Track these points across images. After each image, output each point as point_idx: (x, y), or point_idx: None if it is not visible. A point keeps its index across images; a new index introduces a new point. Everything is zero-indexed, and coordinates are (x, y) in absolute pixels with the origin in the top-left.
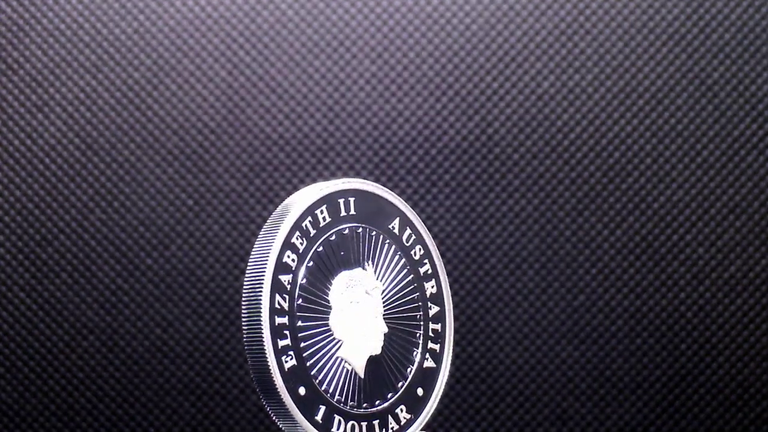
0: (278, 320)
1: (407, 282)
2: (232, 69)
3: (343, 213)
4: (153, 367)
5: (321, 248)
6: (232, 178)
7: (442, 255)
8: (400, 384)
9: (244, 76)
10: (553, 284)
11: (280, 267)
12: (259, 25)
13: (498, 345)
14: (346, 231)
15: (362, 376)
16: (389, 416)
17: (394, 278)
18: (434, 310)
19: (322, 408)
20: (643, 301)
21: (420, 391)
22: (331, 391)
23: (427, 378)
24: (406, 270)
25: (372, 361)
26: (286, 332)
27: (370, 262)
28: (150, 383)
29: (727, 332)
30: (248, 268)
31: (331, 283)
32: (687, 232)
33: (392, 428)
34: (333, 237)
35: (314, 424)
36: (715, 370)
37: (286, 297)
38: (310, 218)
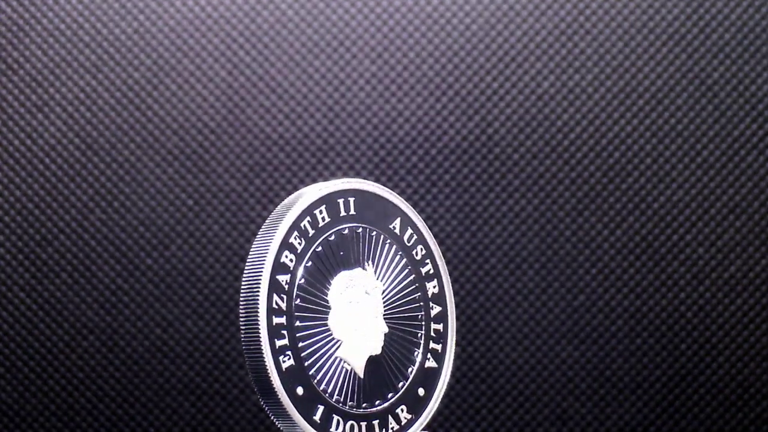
0: (276, 320)
1: (408, 282)
2: (232, 69)
3: (342, 213)
4: (153, 367)
5: (320, 248)
6: (232, 178)
7: (442, 255)
8: (400, 384)
9: (244, 76)
10: (553, 284)
11: (278, 267)
12: (259, 25)
13: (498, 345)
14: (346, 231)
15: (362, 376)
16: (389, 416)
17: (395, 278)
18: (436, 310)
19: (321, 408)
20: (643, 301)
21: (421, 391)
22: (329, 390)
23: (429, 378)
24: (407, 270)
25: (372, 361)
26: (284, 332)
27: (370, 262)
28: (150, 383)
29: (727, 332)
30: (246, 268)
31: (330, 283)
32: (687, 232)
33: (392, 428)
34: (332, 237)
35: (312, 423)
36: (715, 370)
37: (284, 297)
38: (308, 218)
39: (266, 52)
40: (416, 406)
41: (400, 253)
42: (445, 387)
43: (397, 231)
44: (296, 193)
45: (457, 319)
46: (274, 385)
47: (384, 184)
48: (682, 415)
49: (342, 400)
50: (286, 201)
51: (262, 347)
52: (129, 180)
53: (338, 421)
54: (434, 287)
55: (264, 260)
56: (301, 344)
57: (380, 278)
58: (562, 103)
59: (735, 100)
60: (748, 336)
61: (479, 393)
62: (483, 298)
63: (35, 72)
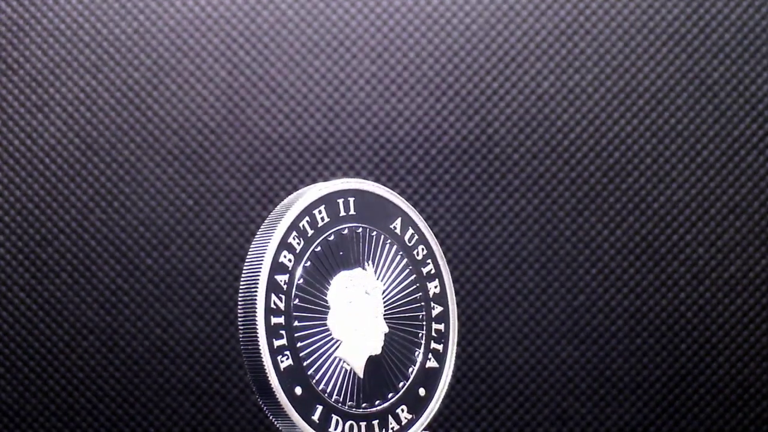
0: (274, 320)
1: (409, 282)
2: (232, 69)
3: (342, 213)
4: (153, 367)
5: (319, 248)
6: (232, 178)
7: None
8: (401, 384)
9: (244, 76)
10: (553, 284)
11: (276, 267)
12: (259, 25)
13: (498, 345)
14: (346, 231)
15: (361, 376)
16: (389, 416)
17: (396, 278)
18: (437, 310)
19: (319, 408)
20: (643, 301)
21: (422, 391)
22: (328, 390)
23: (430, 378)
24: (408, 270)
25: (372, 361)
26: (282, 332)
27: (370, 262)
28: (150, 383)
29: (727, 332)
30: (244, 268)
31: (329, 283)
32: (687, 232)
33: (392, 428)
34: (332, 237)
35: (311, 423)
36: (715, 370)
37: (283, 297)
38: (307, 218)
39: (266, 52)
40: (417, 406)
41: (400, 253)
42: (446, 387)
43: (397, 231)
44: (295, 193)
45: (457, 318)
46: (272, 385)
47: (384, 184)
48: (682, 415)
49: (341, 400)
50: (285, 201)
51: (260, 347)
52: (129, 180)
53: (337, 421)
54: (435, 287)
55: (262, 260)
56: (299, 344)
57: (380, 278)
58: (562, 103)
59: (735, 100)
60: (748, 336)
61: (479, 393)
62: (483, 298)
63: (35, 72)
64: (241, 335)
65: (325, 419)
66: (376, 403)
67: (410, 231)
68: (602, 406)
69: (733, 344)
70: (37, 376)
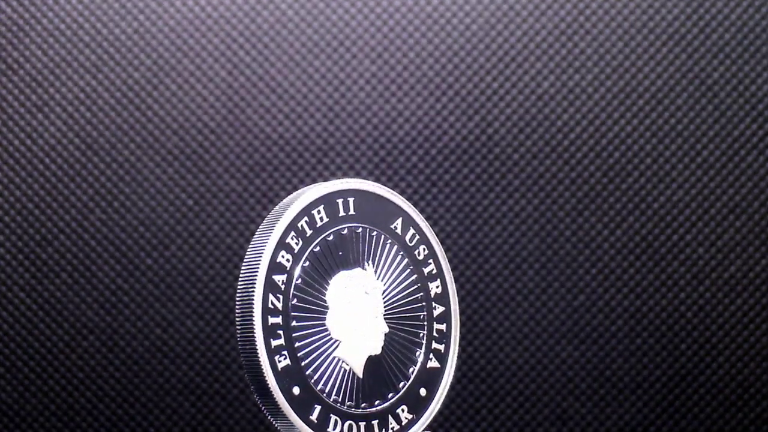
0: (271, 320)
1: (410, 282)
2: (232, 69)
3: (342, 213)
4: (153, 367)
5: (318, 248)
6: (232, 178)
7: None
8: (401, 384)
9: (244, 76)
10: (553, 284)
11: (274, 267)
12: (259, 25)
13: (498, 345)
14: (345, 231)
15: (360, 375)
16: (389, 416)
17: (396, 278)
18: (439, 310)
19: (318, 408)
20: (643, 301)
21: (423, 392)
22: (327, 390)
23: (431, 378)
24: (409, 270)
25: (372, 361)
26: (280, 332)
27: (370, 262)
28: (150, 383)
29: (727, 332)
30: (242, 268)
31: (328, 283)
32: (687, 232)
33: (392, 428)
34: (331, 237)
35: (309, 423)
36: (715, 370)
37: (280, 297)
38: (306, 218)
39: (266, 52)
40: (417, 406)
41: (401, 253)
42: (447, 387)
43: (398, 231)
44: (294, 194)
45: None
46: (269, 385)
47: (384, 184)
48: (682, 415)
49: (340, 399)
50: (284, 201)
51: (257, 347)
52: (129, 180)
53: (336, 421)
54: (437, 287)
55: (260, 260)
56: (297, 344)
57: (380, 278)
58: (562, 103)
59: (735, 100)
60: (748, 336)
61: (479, 393)
62: (483, 298)
63: (35, 72)
64: (238, 335)
65: (324, 419)
66: (376, 403)
67: (411, 231)
68: (602, 406)
69: (733, 344)
70: (37, 376)
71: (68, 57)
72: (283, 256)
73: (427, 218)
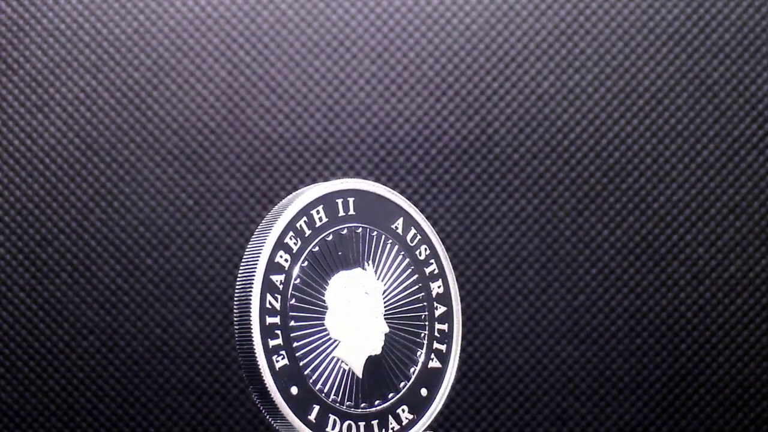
0: (269, 320)
1: (411, 282)
2: (232, 69)
3: (341, 213)
4: (153, 367)
5: (317, 248)
6: (232, 178)
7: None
8: (402, 384)
9: (244, 76)
10: (553, 284)
11: (272, 267)
12: (259, 25)
13: (498, 345)
14: (345, 231)
15: (360, 375)
16: (389, 416)
17: (397, 278)
18: (441, 310)
19: (316, 407)
20: (643, 301)
21: (424, 392)
22: (326, 390)
23: (433, 378)
24: (410, 270)
25: (372, 361)
26: (278, 332)
27: (370, 262)
28: (150, 383)
29: (727, 332)
30: (240, 268)
31: (327, 283)
32: (687, 232)
33: (392, 428)
34: (330, 237)
35: (307, 423)
36: (715, 370)
37: (278, 297)
38: (305, 218)
39: (266, 52)
40: (418, 407)
41: (402, 253)
42: (449, 387)
43: (399, 231)
44: (293, 194)
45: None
46: (267, 385)
47: (384, 184)
48: (682, 415)
49: (339, 399)
50: (283, 201)
51: (255, 347)
52: (129, 180)
53: (335, 421)
54: (439, 287)
55: (257, 260)
56: (296, 344)
57: (381, 278)
58: (562, 103)
59: (735, 100)
60: (748, 336)
61: (479, 393)
62: (483, 298)
63: (35, 72)
64: (236, 335)
65: (322, 419)
66: (376, 403)
67: (412, 231)
68: (602, 406)
69: (733, 344)
70: (37, 376)
71: (68, 57)
72: (281, 256)
73: (427, 218)
